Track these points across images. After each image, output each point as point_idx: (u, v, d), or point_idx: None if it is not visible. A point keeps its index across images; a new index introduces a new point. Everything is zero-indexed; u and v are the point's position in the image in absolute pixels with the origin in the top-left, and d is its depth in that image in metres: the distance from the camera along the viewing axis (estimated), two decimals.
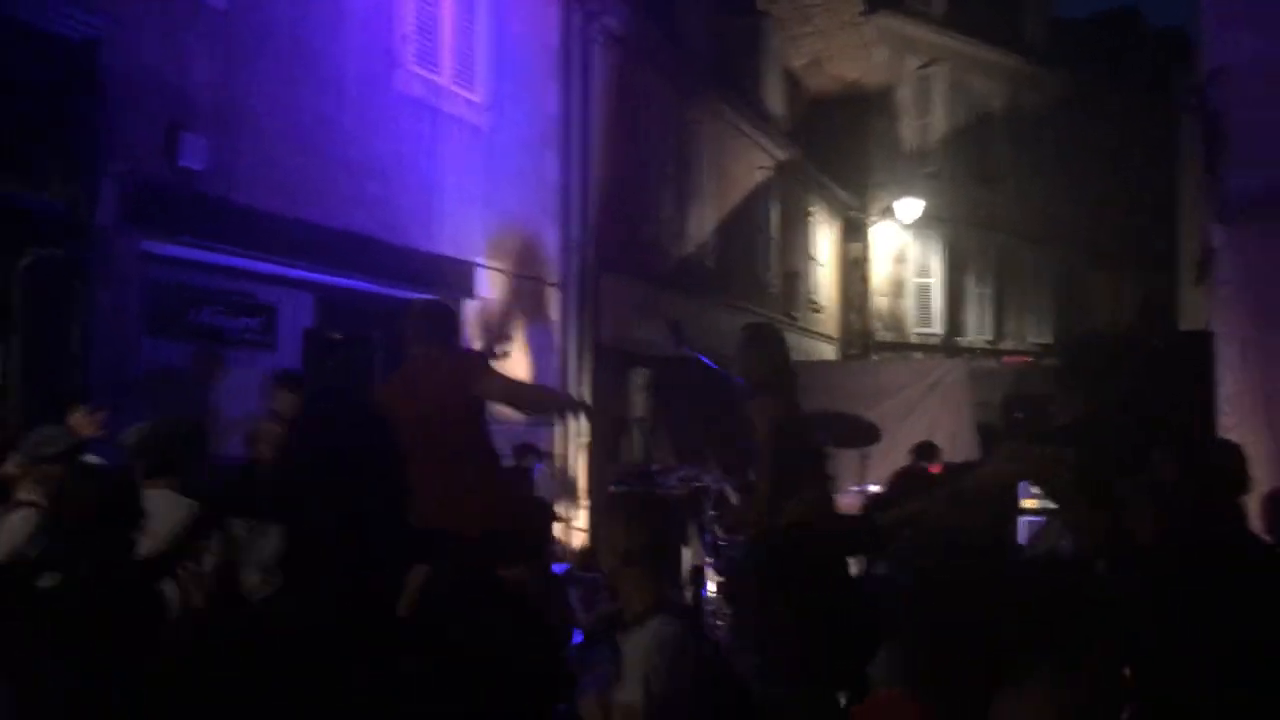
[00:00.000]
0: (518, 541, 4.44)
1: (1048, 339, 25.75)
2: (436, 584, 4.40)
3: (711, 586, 8.97)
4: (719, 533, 9.78)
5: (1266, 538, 4.22)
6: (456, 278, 10.03)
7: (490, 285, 10.59)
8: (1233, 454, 4.19)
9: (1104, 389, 4.90)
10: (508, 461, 9.87)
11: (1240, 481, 4.02)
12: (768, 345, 5.65)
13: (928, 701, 2.02)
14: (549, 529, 5.60)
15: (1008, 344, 25.00)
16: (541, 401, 5.61)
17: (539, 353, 11.38)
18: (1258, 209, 8.21)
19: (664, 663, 3.06)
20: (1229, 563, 3.32)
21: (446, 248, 9.84)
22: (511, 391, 5.08)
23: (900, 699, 2.22)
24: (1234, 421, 8.35)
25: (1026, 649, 1.61)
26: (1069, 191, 26.10)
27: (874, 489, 9.21)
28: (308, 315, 8.75)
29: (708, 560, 8.98)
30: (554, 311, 11.73)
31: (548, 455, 10.09)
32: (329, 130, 8.46)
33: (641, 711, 3.00)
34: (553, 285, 11.74)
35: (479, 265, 10.37)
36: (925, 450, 9.10)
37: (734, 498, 10.58)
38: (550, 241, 11.71)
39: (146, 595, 3.20)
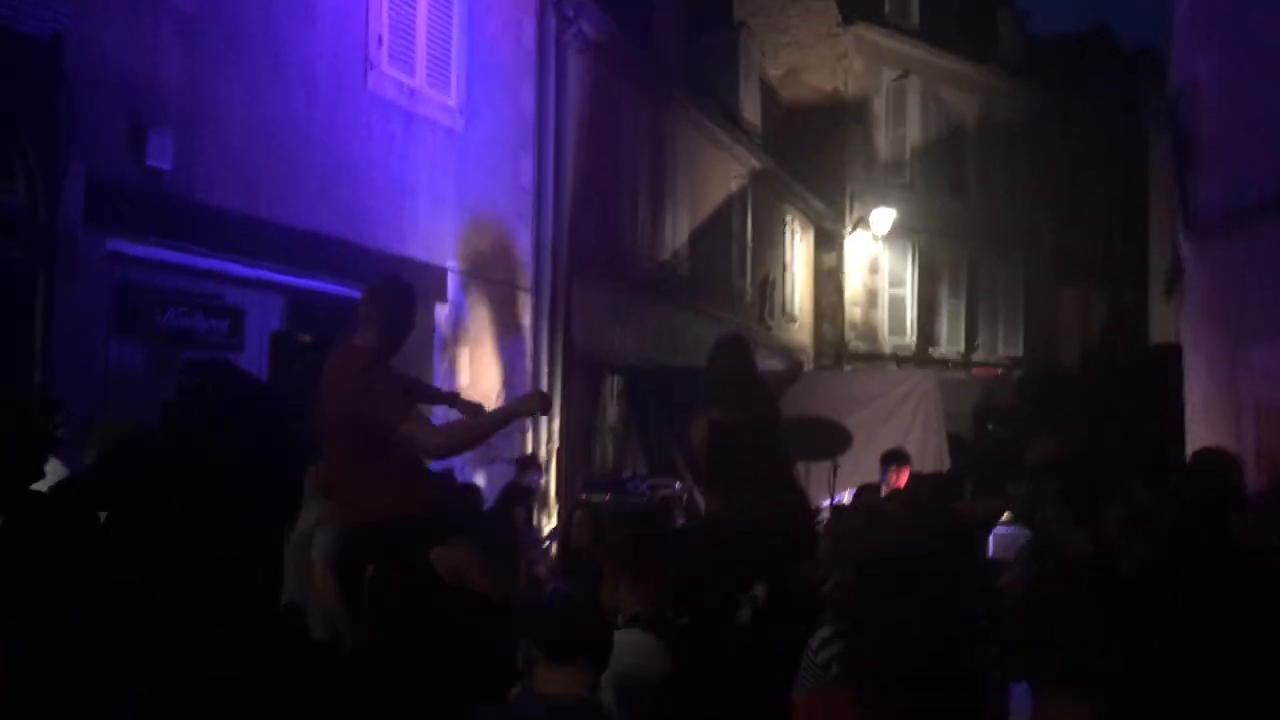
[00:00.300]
0: (439, 527, 4.34)
1: (1017, 351, 25.92)
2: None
3: None
4: None
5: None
6: (427, 281, 9.96)
7: (462, 290, 10.52)
8: (1222, 466, 4.21)
9: (1070, 425, 5.03)
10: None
11: (1228, 492, 4.05)
12: (720, 357, 5.73)
13: (864, 700, 2.04)
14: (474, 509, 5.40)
15: (979, 355, 25.14)
16: (475, 436, 4.62)
17: (510, 359, 11.32)
18: (1225, 222, 8.28)
19: (632, 673, 3.04)
20: (1216, 583, 3.31)
21: (417, 251, 9.77)
22: (427, 438, 4.43)
23: (836, 696, 2.24)
24: (1202, 433, 8.41)
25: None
26: (1040, 204, 26.31)
27: (845, 498, 9.21)
28: (276, 317, 8.66)
29: None
30: (526, 317, 11.68)
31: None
32: (299, 131, 8.39)
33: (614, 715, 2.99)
34: (525, 290, 11.69)
35: (450, 269, 10.30)
36: (894, 457, 9.10)
37: (701, 503, 10.58)
38: (523, 246, 11.66)
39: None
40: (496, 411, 4.92)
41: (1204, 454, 4.92)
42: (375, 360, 4.44)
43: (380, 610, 4.26)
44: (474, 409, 4.98)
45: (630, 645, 3.09)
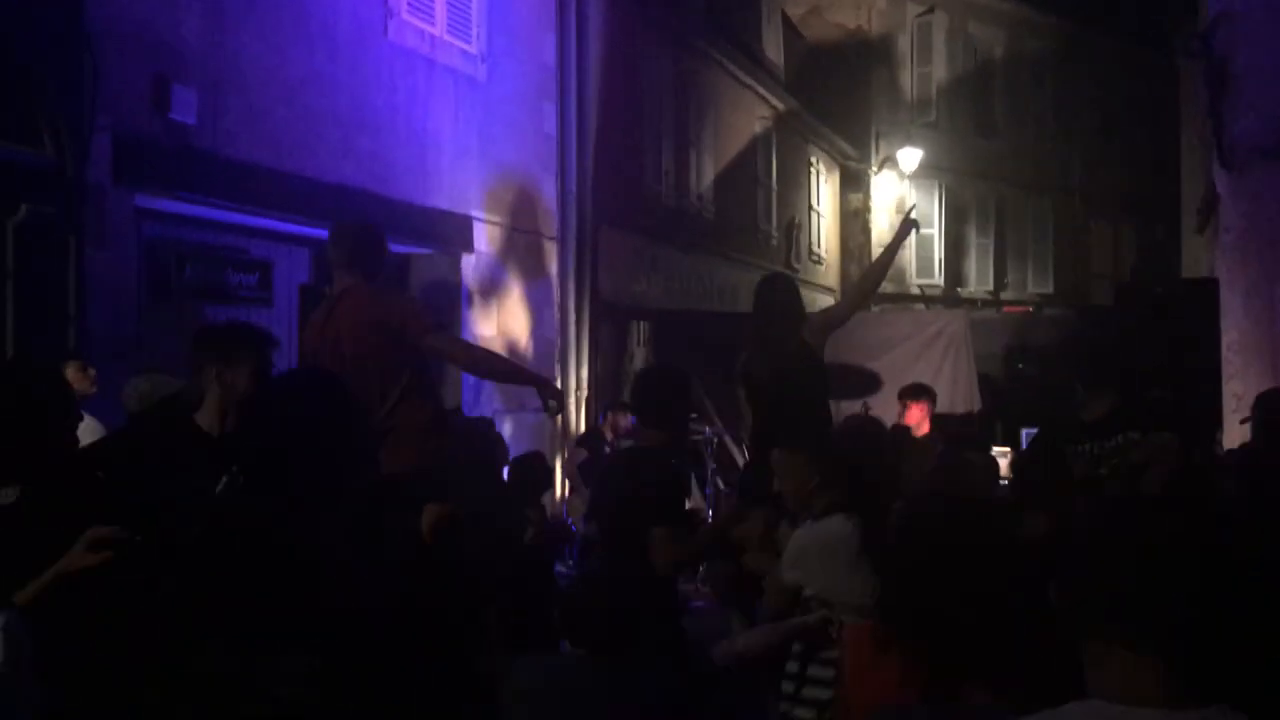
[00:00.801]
0: (432, 486, 4.29)
1: (1048, 289, 25.68)
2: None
3: None
4: (719, 484, 9.79)
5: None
6: (453, 232, 9.95)
7: (487, 239, 10.50)
8: None
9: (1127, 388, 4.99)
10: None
11: None
12: (757, 299, 5.69)
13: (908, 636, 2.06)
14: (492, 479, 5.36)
15: (1008, 294, 24.92)
16: (493, 368, 4.96)
17: (537, 307, 11.32)
18: (1262, 154, 8.12)
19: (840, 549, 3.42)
20: None
21: (442, 201, 9.75)
22: (454, 349, 4.87)
23: (884, 631, 2.27)
24: (1237, 369, 8.32)
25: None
26: (1069, 140, 25.91)
27: None
28: (304, 270, 8.68)
29: (709, 511, 8.99)
30: (552, 265, 11.66)
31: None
32: (321, 82, 8.34)
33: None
34: (551, 239, 11.66)
35: (476, 219, 10.28)
36: (909, 391, 8.94)
37: (733, 449, 10.58)
38: (548, 195, 11.60)
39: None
40: (522, 367, 5.02)
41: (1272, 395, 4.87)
42: (374, 287, 4.48)
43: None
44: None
45: (836, 530, 3.47)
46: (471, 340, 9.37)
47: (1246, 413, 8.18)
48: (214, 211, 7.51)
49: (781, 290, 5.77)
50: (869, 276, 6.15)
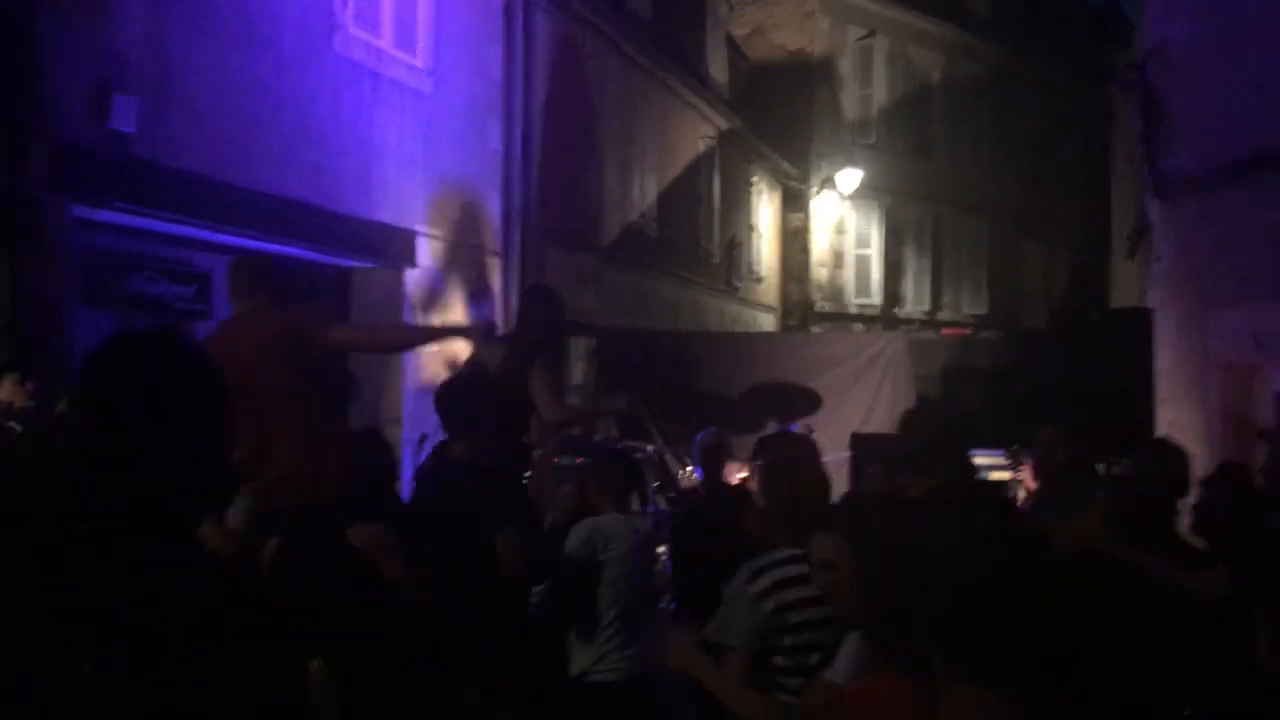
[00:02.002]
0: (344, 508, 4.13)
1: (983, 310, 26.11)
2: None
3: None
4: (660, 503, 9.79)
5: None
6: (396, 245, 9.87)
7: (431, 254, 10.43)
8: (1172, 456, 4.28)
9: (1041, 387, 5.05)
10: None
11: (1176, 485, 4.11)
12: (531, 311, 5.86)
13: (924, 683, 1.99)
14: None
15: (944, 315, 25.30)
16: (405, 338, 5.09)
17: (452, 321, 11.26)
18: (1194, 186, 8.33)
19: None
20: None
21: (386, 215, 9.66)
22: (358, 336, 4.84)
23: (894, 681, 2.18)
24: (1169, 395, 8.52)
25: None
26: (1005, 164, 26.41)
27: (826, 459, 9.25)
28: None
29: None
30: (496, 281, 11.61)
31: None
32: (264, 93, 8.24)
33: None
34: (494, 255, 11.61)
35: (419, 233, 10.20)
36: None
37: (673, 466, 10.59)
38: (493, 210, 11.56)
39: None
40: (438, 327, 4.91)
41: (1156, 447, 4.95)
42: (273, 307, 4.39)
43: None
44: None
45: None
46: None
47: (1178, 439, 8.38)
48: (153, 222, 7.37)
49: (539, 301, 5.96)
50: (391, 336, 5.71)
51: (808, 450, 4.29)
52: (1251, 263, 7.56)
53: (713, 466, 5.89)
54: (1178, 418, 8.43)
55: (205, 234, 7.84)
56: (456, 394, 4.41)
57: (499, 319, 11.60)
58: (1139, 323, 8.46)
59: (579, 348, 13.76)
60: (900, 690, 2.04)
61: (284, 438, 4.20)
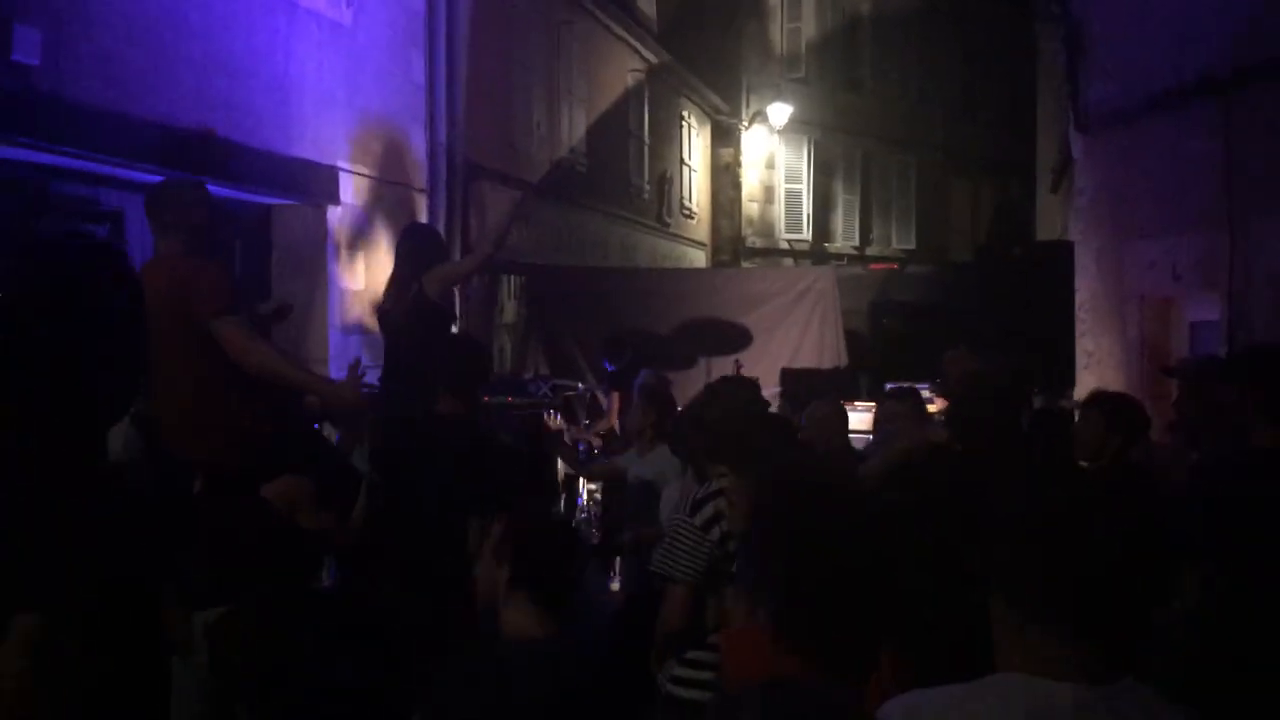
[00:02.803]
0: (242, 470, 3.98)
1: (911, 244, 26.33)
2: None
3: (584, 494, 9.00)
4: (592, 440, 9.81)
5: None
6: (318, 182, 9.64)
7: (354, 191, 10.22)
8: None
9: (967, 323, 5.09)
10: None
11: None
12: (397, 246, 6.07)
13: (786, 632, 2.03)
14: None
15: (874, 250, 25.48)
16: (282, 375, 4.14)
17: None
18: (1114, 119, 8.42)
19: None
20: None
21: (307, 151, 9.43)
22: (235, 342, 4.01)
23: (757, 631, 2.22)
24: (1089, 327, 8.68)
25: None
26: (932, 98, 26.51)
27: None
28: None
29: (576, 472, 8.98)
30: (422, 218, 11.42)
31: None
32: (175, 23, 7.93)
33: None
34: (420, 191, 11.41)
35: (342, 169, 9.97)
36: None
37: (604, 403, 10.60)
38: (418, 146, 11.33)
39: None
40: (313, 376, 4.44)
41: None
42: (194, 256, 4.11)
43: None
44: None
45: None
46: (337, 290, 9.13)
47: (1097, 369, 8.57)
48: (60, 159, 7.10)
49: (409, 239, 6.10)
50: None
51: (750, 390, 4.30)
52: (1169, 195, 7.68)
53: (661, 406, 5.87)
54: (1097, 349, 8.60)
55: (117, 171, 7.58)
56: (459, 351, 4.25)
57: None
58: (1060, 256, 8.57)
59: (508, 285, 13.65)
60: (758, 638, 2.10)
61: (177, 390, 4.05)
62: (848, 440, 5.43)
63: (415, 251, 5.75)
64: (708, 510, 3.37)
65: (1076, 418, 4.70)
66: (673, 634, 3.30)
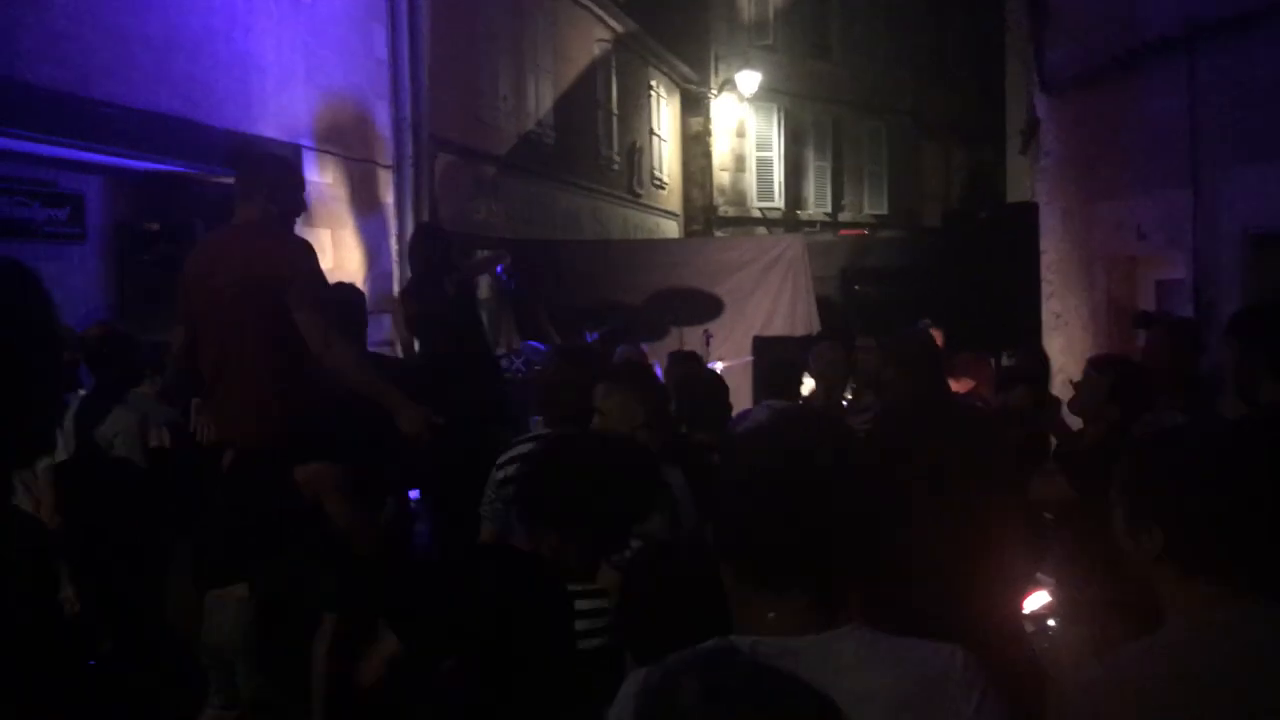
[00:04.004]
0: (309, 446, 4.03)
1: (883, 210, 26.36)
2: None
3: None
4: None
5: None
6: None
7: (319, 169, 10.12)
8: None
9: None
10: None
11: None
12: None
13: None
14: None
15: (846, 216, 25.49)
16: (358, 380, 4.09)
17: (374, 239, 11.02)
18: (1076, 81, 8.43)
19: None
20: None
21: (269, 129, 9.32)
22: (315, 334, 3.96)
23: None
24: (1056, 288, 8.71)
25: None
26: (902, 63, 26.46)
27: (719, 366, 9.32)
28: (120, 205, 8.22)
29: None
30: (388, 195, 11.33)
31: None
32: (129, 3, 7.82)
33: None
34: (386, 167, 11.32)
35: (305, 147, 9.87)
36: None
37: None
38: (381, 122, 11.23)
39: None
40: (389, 389, 4.21)
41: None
42: (278, 228, 4.10)
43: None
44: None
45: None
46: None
47: (1065, 330, 8.61)
48: (15, 142, 7.00)
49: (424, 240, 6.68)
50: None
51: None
52: (1132, 155, 7.70)
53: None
54: (1064, 309, 8.65)
55: (74, 154, 7.48)
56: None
57: (392, 234, 11.37)
58: (1026, 218, 8.58)
59: (478, 262, 13.58)
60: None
61: (242, 369, 4.03)
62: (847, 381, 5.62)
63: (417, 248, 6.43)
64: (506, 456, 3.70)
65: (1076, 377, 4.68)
66: None
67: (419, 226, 8.67)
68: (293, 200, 4.22)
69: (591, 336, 9.54)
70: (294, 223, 4.24)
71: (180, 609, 4.39)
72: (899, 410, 3.73)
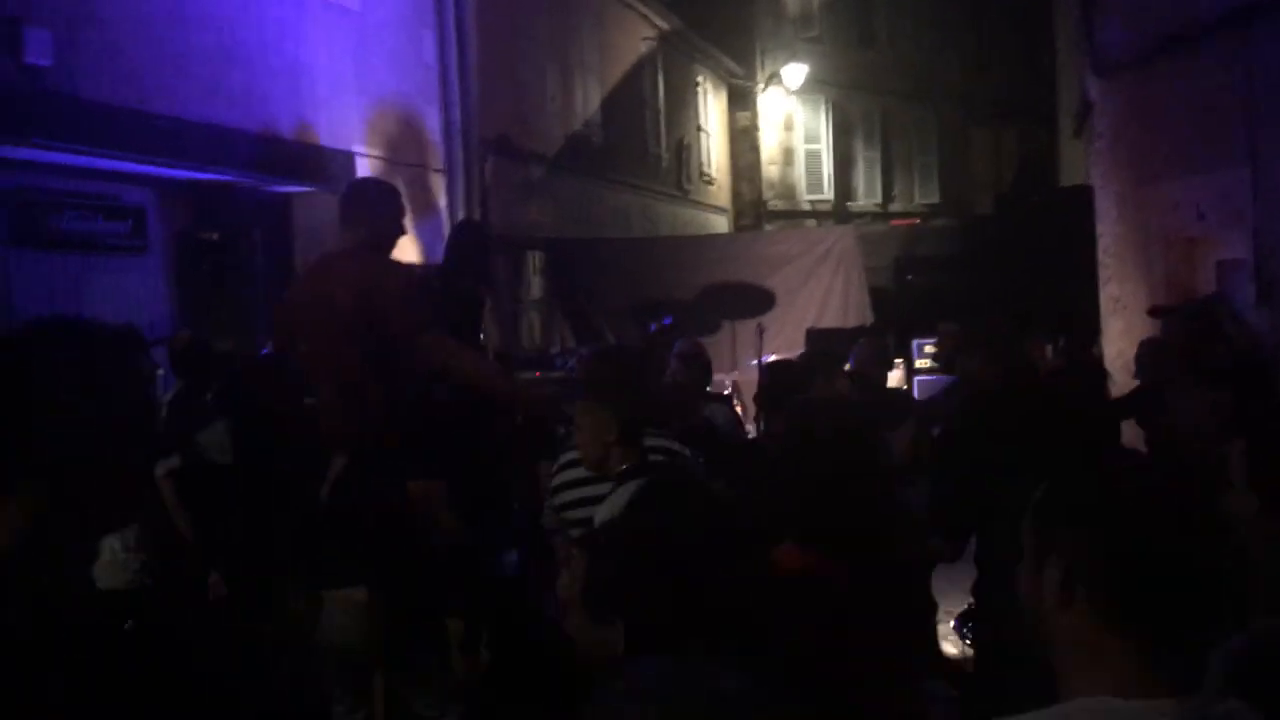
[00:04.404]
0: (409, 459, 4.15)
1: (934, 199, 26.13)
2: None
3: None
4: None
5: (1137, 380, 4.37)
6: (334, 168, 9.67)
7: (371, 175, 10.25)
8: None
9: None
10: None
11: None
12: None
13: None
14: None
15: (896, 206, 25.30)
16: (499, 388, 4.45)
17: (428, 243, 11.13)
18: (1129, 61, 8.31)
19: None
20: None
21: (322, 137, 9.47)
22: (450, 355, 4.18)
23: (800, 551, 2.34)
24: (1113, 273, 8.60)
25: None
26: (948, 50, 26.19)
27: (772, 359, 9.31)
28: (180, 216, 8.39)
29: None
30: (440, 199, 11.45)
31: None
32: (184, 18, 7.98)
33: None
34: (438, 171, 11.44)
35: (358, 154, 10.01)
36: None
37: None
38: (432, 126, 11.35)
39: None
40: (515, 383, 4.67)
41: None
42: (382, 254, 4.25)
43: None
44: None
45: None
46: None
47: (1124, 314, 8.50)
48: (77, 158, 7.18)
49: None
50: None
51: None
52: (1189, 134, 7.58)
53: (697, 373, 5.90)
54: (1122, 293, 8.53)
55: (134, 167, 7.65)
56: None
57: (445, 238, 11.47)
58: (1081, 202, 8.46)
59: (532, 261, 13.68)
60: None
61: (354, 384, 4.14)
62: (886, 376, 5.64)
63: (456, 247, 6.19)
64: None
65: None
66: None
67: (463, 223, 8.56)
68: (395, 227, 4.39)
69: (653, 327, 9.50)
70: (393, 247, 4.40)
71: (294, 612, 4.51)
72: (990, 395, 3.86)
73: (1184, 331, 4.50)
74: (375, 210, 4.31)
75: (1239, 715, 1.31)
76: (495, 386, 4.47)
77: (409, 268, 4.39)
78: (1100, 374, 4.88)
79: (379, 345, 4.05)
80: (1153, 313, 5.59)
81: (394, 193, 4.56)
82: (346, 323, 4.09)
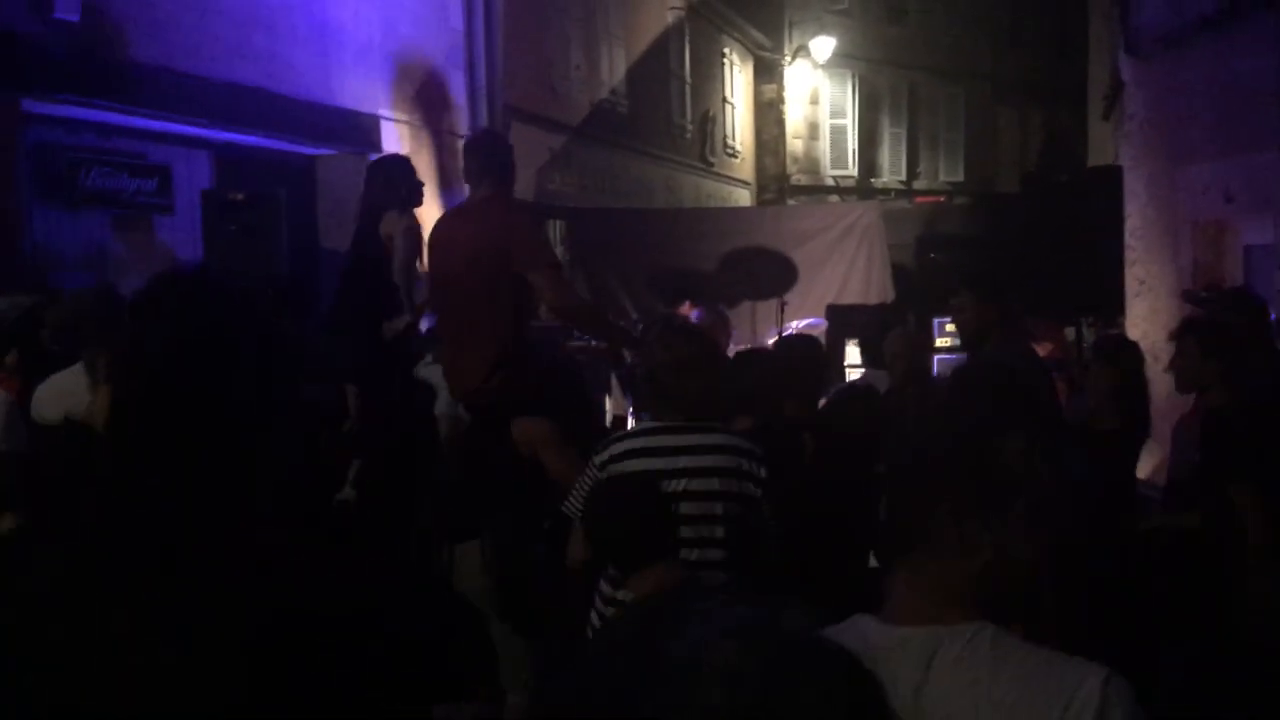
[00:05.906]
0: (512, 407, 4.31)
1: (959, 177, 25.93)
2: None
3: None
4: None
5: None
6: (360, 131, 9.69)
7: (396, 138, 10.25)
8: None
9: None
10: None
11: None
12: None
13: None
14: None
15: (921, 183, 25.13)
16: (588, 324, 5.18)
17: (450, 206, 11.13)
18: (1168, 43, 8.22)
19: None
20: None
21: (346, 100, 9.46)
22: (557, 290, 4.52)
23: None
24: (1139, 255, 8.54)
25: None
26: (978, 26, 25.91)
27: (792, 330, 9.30)
28: (205, 175, 8.41)
29: (630, 410, 9.02)
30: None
31: None
32: None
33: None
34: (461, 136, 11.41)
35: (383, 117, 10.01)
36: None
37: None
38: (457, 91, 11.33)
39: None
40: (614, 325, 5.28)
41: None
42: (506, 203, 4.56)
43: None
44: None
45: None
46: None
47: (1149, 297, 8.44)
48: (106, 114, 7.20)
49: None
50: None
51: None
52: (1221, 117, 7.50)
53: (722, 340, 5.97)
54: (1148, 275, 8.47)
55: (162, 125, 7.68)
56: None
57: None
58: (1109, 183, 8.37)
59: (554, 230, 13.66)
60: None
61: (478, 330, 4.35)
62: (925, 365, 5.68)
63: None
64: (610, 450, 3.19)
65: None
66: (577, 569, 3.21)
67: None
68: (512, 179, 4.75)
69: (697, 314, 9.34)
70: (507, 190, 4.71)
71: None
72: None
73: (1197, 351, 4.24)
74: (502, 165, 4.63)
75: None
76: (599, 323, 5.09)
77: (531, 216, 4.74)
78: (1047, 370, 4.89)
79: (501, 287, 4.33)
80: (1188, 298, 5.53)
81: (500, 138, 5.22)
82: (465, 272, 4.37)
